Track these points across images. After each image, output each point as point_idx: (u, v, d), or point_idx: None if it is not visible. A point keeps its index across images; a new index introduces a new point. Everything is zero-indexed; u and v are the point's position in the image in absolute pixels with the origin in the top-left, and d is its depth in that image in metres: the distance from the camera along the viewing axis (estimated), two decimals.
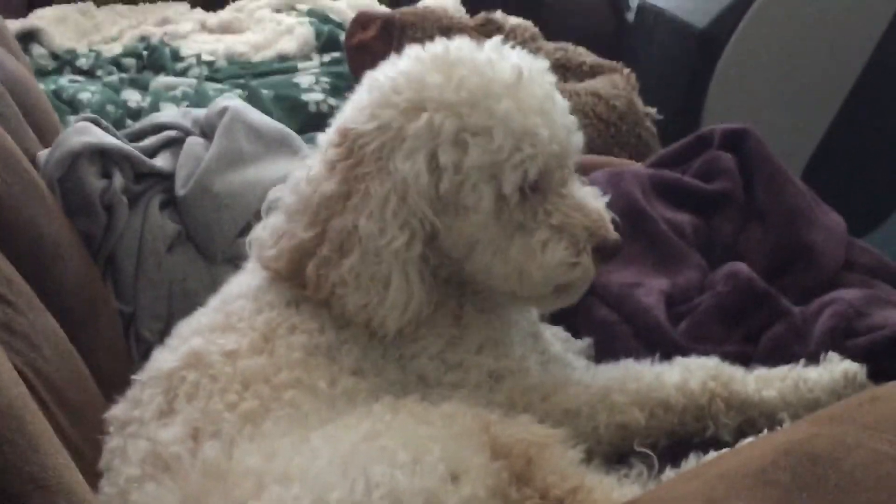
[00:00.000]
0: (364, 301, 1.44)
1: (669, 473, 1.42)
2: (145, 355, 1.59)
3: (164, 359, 1.48)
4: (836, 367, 1.54)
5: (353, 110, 1.50)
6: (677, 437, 1.52)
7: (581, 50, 3.29)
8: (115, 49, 3.76)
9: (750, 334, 1.71)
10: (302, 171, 1.52)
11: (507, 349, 1.54)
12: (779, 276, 1.84)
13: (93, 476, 1.37)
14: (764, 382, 1.53)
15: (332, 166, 1.46)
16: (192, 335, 1.50)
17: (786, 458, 0.99)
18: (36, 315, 1.52)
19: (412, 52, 1.53)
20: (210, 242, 2.04)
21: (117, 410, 1.47)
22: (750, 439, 1.36)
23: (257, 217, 2.02)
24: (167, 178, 2.11)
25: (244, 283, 1.58)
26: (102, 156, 2.02)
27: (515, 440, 1.31)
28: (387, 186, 1.42)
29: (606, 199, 1.55)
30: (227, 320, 1.50)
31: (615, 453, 1.51)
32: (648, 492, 1.16)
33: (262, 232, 1.55)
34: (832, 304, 1.70)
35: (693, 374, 1.54)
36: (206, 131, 2.19)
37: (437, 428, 1.30)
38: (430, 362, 1.50)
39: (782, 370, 1.55)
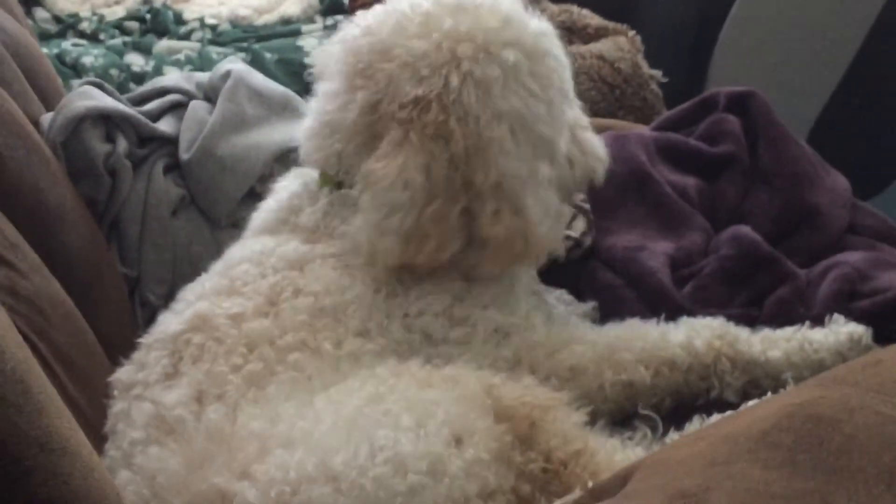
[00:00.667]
0: (557, 232, 1.58)
1: (673, 436, 1.42)
2: (150, 319, 1.61)
3: (169, 322, 1.49)
4: (841, 329, 1.55)
5: (402, 83, 1.47)
6: (682, 396, 1.53)
7: (586, 12, 3.27)
8: (118, 12, 3.73)
9: (754, 297, 1.71)
10: (382, 166, 1.46)
11: (513, 306, 1.55)
12: (783, 238, 1.84)
13: (98, 440, 1.37)
14: (769, 343, 1.54)
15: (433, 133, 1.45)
16: (197, 299, 1.51)
17: (789, 421, 0.99)
18: (41, 279, 1.52)
19: (400, 7, 1.54)
20: (214, 206, 2.04)
21: (122, 373, 1.48)
22: (754, 402, 1.36)
23: (261, 181, 2.03)
24: (171, 142, 2.10)
25: (247, 247, 1.59)
26: (106, 120, 2.01)
27: (519, 403, 1.32)
28: (505, 127, 1.46)
29: None
30: (231, 284, 1.51)
31: (620, 413, 1.52)
32: (652, 454, 1.17)
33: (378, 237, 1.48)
34: (837, 266, 1.70)
35: (699, 333, 1.55)
36: (210, 95, 2.19)
37: (440, 391, 1.30)
38: (435, 319, 1.50)
39: (787, 331, 1.56)
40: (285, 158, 2.02)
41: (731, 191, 1.94)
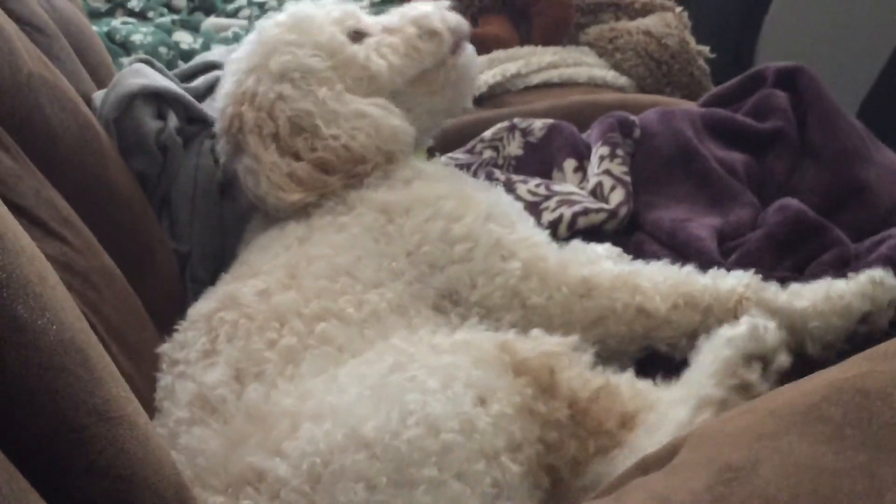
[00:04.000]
0: None
1: None
2: (201, 295, 1.63)
3: (201, 305, 1.56)
4: (861, 276, 1.53)
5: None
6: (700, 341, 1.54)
7: None
8: None
9: (800, 264, 1.69)
10: None
11: (511, 224, 1.62)
12: (833, 214, 1.82)
13: (149, 412, 1.39)
14: (795, 295, 1.53)
15: None
16: (222, 286, 1.59)
17: (837, 395, 0.99)
18: (94, 255, 1.54)
19: None
20: None
21: (166, 349, 1.52)
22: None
23: None
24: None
25: (251, 244, 1.69)
26: (157, 97, 2.03)
27: (535, 354, 1.34)
28: None
29: None
30: (250, 269, 1.58)
31: (635, 347, 1.56)
32: (699, 427, 1.17)
33: None
34: (888, 239, 1.69)
35: (725, 279, 1.56)
36: None
37: (456, 355, 1.32)
38: (434, 248, 1.56)
39: (813, 284, 1.55)
40: None
41: (780, 166, 1.93)
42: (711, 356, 1.35)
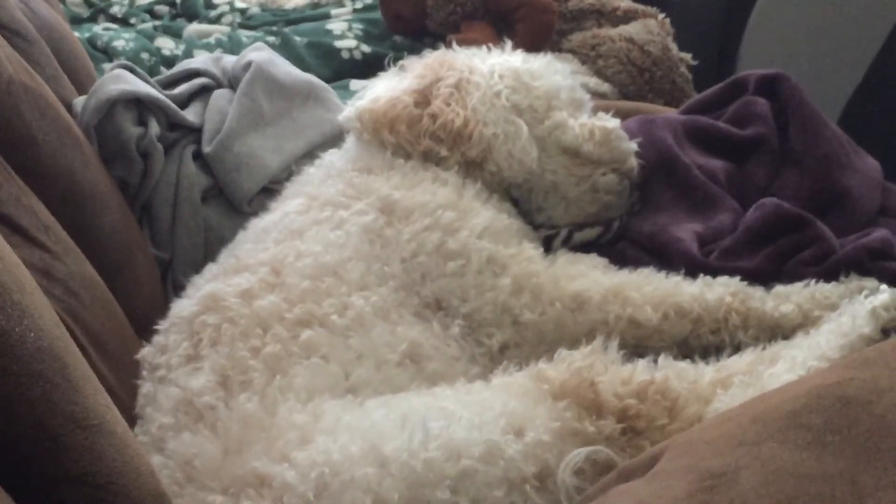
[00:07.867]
0: None
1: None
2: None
3: (182, 305, 1.55)
4: (851, 282, 1.55)
5: None
6: (692, 349, 1.55)
7: None
8: None
9: (781, 254, 1.69)
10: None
11: (505, 240, 1.62)
12: None
13: (130, 420, 1.39)
14: (781, 298, 1.55)
15: None
16: (206, 283, 1.58)
17: (818, 402, 0.99)
18: (74, 262, 1.54)
19: None
20: (232, 198, 2.04)
21: (146, 353, 1.51)
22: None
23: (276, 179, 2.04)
24: (198, 129, 2.11)
25: (250, 227, 1.69)
26: (138, 103, 2.02)
27: (569, 374, 1.33)
28: None
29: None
30: (237, 262, 1.58)
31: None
32: (680, 434, 1.17)
33: None
34: (871, 233, 1.69)
35: (712, 288, 1.58)
36: (234, 84, 2.19)
37: (493, 392, 1.33)
38: (429, 258, 1.57)
39: (798, 286, 1.57)
40: (312, 155, 2.00)
41: (760, 173, 1.93)
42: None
